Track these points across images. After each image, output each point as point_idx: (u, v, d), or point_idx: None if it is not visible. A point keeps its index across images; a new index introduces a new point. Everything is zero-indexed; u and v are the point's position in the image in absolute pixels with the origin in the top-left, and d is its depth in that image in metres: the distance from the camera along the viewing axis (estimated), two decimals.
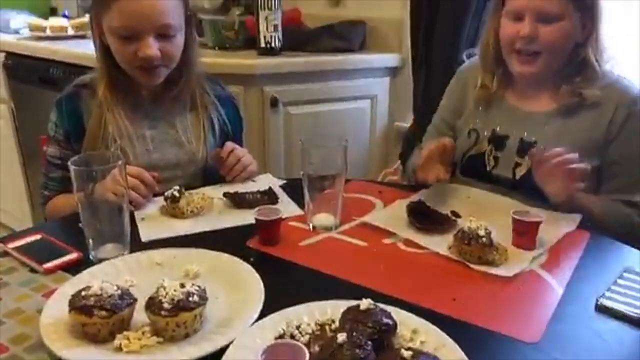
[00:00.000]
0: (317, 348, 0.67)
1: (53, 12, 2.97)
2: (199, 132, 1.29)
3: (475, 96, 1.29)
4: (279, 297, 0.79)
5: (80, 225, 0.93)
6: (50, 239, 0.96)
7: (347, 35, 1.97)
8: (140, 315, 0.73)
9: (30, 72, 2.23)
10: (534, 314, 0.79)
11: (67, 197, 1.21)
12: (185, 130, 1.28)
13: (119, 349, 0.69)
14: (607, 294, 0.81)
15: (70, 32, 2.39)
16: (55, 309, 0.74)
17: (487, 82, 1.27)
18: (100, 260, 0.89)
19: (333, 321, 0.73)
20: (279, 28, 1.85)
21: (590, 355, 0.70)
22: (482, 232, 0.91)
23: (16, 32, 2.47)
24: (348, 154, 1.02)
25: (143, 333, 0.71)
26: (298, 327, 0.72)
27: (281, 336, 0.71)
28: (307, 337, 0.71)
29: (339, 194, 1.04)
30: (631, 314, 0.77)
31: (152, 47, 1.14)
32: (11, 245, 0.93)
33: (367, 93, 1.99)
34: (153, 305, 0.71)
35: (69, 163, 0.89)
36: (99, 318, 0.70)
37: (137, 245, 0.96)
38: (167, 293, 0.71)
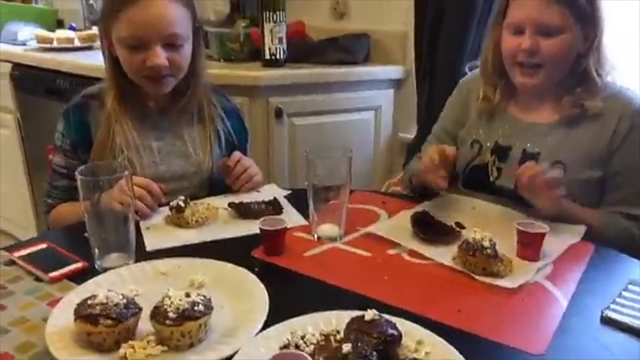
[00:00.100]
0: (321, 358, 0.67)
1: (60, 24, 3.00)
2: (205, 144, 1.30)
3: (478, 108, 1.30)
4: (283, 307, 0.79)
5: (85, 234, 0.93)
6: (56, 248, 0.97)
7: (351, 48, 1.99)
8: (145, 324, 0.74)
9: (36, 83, 2.26)
10: (539, 325, 0.79)
11: (70, 205, 1.22)
12: (192, 142, 1.29)
13: (124, 358, 0.69)
14: (613, 306, 0.81)
15: (77, 43, 2.41)
16: (61, 318, 0.75)
17: (489, 94, 1.28)
18: (105, 270, 0.89)
19: (338, 332, 0.73)
20: (284, 40, 1.87)
21: None
22: (486, 243, 0.91)
23: (24, 43, 2.49)
24: (352, 165, 1.03)
25: (148, 342, 0.71)
26: (303, 338, 0.72)
27: (286, 346, 0.71)
28: (312, 347, 0.71)
29: (343, 205, 1.04)
30: (637, 325, 0.76)
31: (159, 57, 1.15)
32: (17, 254, 0.94)
33: (371, 104, 2.00)
34: (158, 314, 0.71)
35: (76, 173, 0.90)
36: (105, 327, 0.70)
37: (142, 254, 0.96)
38: (172, 302, 0.72)
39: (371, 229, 1.07)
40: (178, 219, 1.09)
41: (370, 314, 0.71)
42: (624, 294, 0.84)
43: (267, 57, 1.87)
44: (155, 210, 1.14)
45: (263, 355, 0.65)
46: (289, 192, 1.28)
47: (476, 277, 0.90)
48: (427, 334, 0.72)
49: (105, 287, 0.77)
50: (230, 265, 0.90)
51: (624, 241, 1.09)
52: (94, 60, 2.02)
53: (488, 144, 1.27)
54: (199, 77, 1.28)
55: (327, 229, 1.05)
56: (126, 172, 0.92)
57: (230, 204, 1.16)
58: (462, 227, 1.08)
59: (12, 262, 0.93)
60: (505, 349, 0.74)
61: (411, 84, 1.98)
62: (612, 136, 1.15)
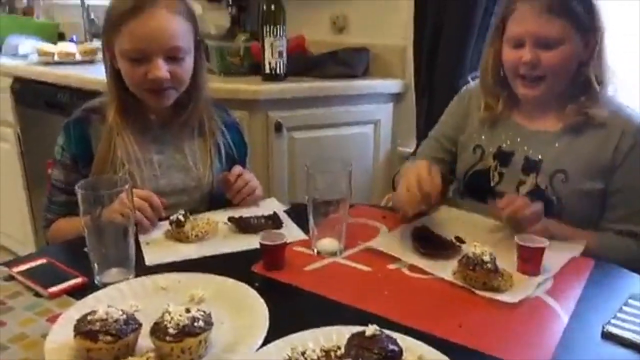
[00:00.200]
0: None
1: (61, 37, 3.02)
2: (205, 158, 1.30)
3: (481, 117, 1.30)
4: (284, 322, 0.78)
5: (85, 249, 0.93)
6: (55, 263, 0.96)
7: (351, 62, 2.00)
8: (145, 340, 0.73)
9: (37, 97, 2.26)
10: (541, 341, 0.78)
11: (69, 220, 1.22)
12: (193, 156, 1.29)
13: None
14: (613, 321, 0.81)
15: (78, 57, 2.43)
16: (60, 334, 0.74)
17: (491, 104, 1.28)
18: (105, 285, 0.89)
19: (339, 347, 0.72)
20: (284, 54, 1.88)
21: None
22: (486, 258, 0.91)
23: (25, 57, 2.51)
24: (351, 179, 1.03)
25: (148, 358, 0.71)
26: (303, 354, 0.71)
27: None
28: None
29: (343, 219, 1.04)
30: (638, 340, 0.76)
31: (161, 69, 1.16)
32: (16, 269, 0.94)
33: (371, 118, 2.00)
34: (158, 330, 0.71)
35: (76, 187, 0.90)
36: (104, 343, 0.69)
37: (141, 269, 0.96)
38: (172, 318, 0.71)
39: (371, 243, 1.07)
40: (178, 234, 1.08)
41: (371, 329, 0.71)
42: (625, 308, 0.84)
43: (267, 71, 1.89)
44: (155, 224, 1.14)
45: None
46: (289, 206, 1.28)
47: (477, 291, 0.90)
48: (428, 350, 0.72)
49: (105, 303, 0.77)
50: (230, 280, 0.90)
51: (626, 261, 1.07)
52: (95, 74, 2.04)
53: (491, 149, 1.28)
54: (200, 90, 1.29)
55: (327, 243, 1.05)
56: (127, 186, 0.92)
57: (230, 219, 1.16)
58: (462, 242, 1.08)
59: (11, 278, 0.93)
60: None
61: (410, 98, 1.99)
62: (614, 151, 1.15)
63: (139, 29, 1.14)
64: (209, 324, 0.73)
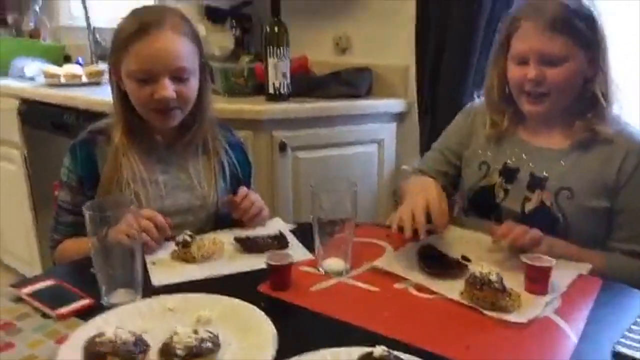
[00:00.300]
0: None
1: (67, 59, 3.05)
2: (210, 177, 1.31)
3: (486, 134, 1.31)
4: (291, 343, 0.78)
5: (92, 270, 0.93)
6: (63, 285, 0.97)
7: (354, 82, 2.02)
8: None
9: (43, 118, 2.29)
10: None
11: (75, 241, 1.22)
12: (197, 175, 1.30)
13: None
14: (623, 340, 0.80)
15: (84, 79, 2.46)
16: (69, 356, 0.74)
17: (496, 120, 1.29)
18: (112, 306, 0.89)
19: None
20: (287, 75, 1.90)
21: None
22: (494, 277, 0.91)
23: (31, 79, 2.54)
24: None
25: None
26: None
27: None
28: None
29: (349, 239, 1.04)
30: None
31: (167, 89, 1.18)
32: (24, 290, 0.94)
33: (374, 137, 2.02)
34: (167, 352, 0.71)
35: (83, 208, 0.90)
36: None
37: (148, 290, 0.96)
38: (180, 339, 0.72)
39: (377, 263, 1.07)
40: (184, 254, 1.09)
41: (379, 350, 0.71)
42: (634, 328, 0.84)
43: (271, 91, 1.90)
44: (161, 244, 1.14)
45: None
46: (294, 226, 1.28)
47: (485, 312, 0.90)
48: None
49: (113, 324, 0.77)
50: (237, 301, 0.90)
51: (634, 281, 1.05)
52: (101, 96, 2.06)
53: (496, 166, 1.28)
54: (205, 111, 1.31)
55: (333, 263, 1.05)
56: (132, 206, 0.93)
57: (236, 239, 1.16)
58: (468, 260, 1.08)
59: (19, 299, 0.93)
60: None
61: (413, 117, 2.00)
62: (617, 172, 1.16)
63: (146, 50, 1.16)
64: (216, 345, 0.74)
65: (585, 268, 1.05)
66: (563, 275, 1.00)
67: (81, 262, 1.05)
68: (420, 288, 0.99)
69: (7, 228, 2.78)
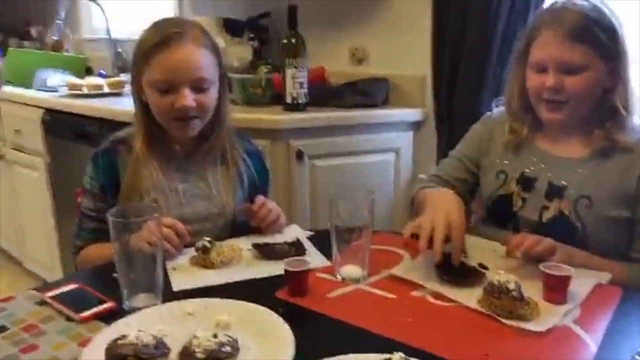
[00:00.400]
0: None
1: (89, 71, 3.13)
2: (228, 185, 1.33)
3: (505, 141, 1.31)
4: (308, 349, 0.79)
5: (114, 275, 0.95)
6: (86, 288, 0.99)
7: (371, 91, 2.03)
8: None
9: (66, 128, 2.34)
10: None
11: (98, 247, 1.25)
12: (216, 184, 1.32)
13: None
14: None
15: (106, 90, 2.51)
16: (92, 358, 0.76)
17: (516, 127, 1.29)
18: (134, 310, 0.91)
19: None
20: (305, 85, 1.92)
21: None
22: (512, 286, 0.90)
23: (54, 90, 2.60)
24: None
25: None
26: None
27: None
28: None
29: (366, 246, 1.05)
30: None
31: (187, 98, 1.20)
32: (49, 294, 0.96)
33: (391, 146, 2.02)
34: (187, 355, 0.72)
35: (107, 214, 0.93)
36: None
37: (168, 294, 0.98)
38: (200, 343, 0.73)
39: (394, 270, 1.07)
40: (204, 260, 1.10)
41: (396, 357, 0.71)
42: None
43: (289, 101, 1.92)
44: (181, 251, 1.16)
45: None
46: (312, 233, 1.29)
47: (503, 320, 0.89)
48: None
49: (134, 328, 0.78)
50: (255, 306, 0.91)
51: None
52: (122, 106, 2.11)
53: (514, 174, 1.28)
54: (223, 121, 1.33)
55: (350, 270, 1.06)
56: (155, 214, 0.95)
57: (254, 245, 1.18)
58: (486, 268, 1.08)
59: (43, 302, 0.95)
60: None
61: (430, 126, 2.01)
62: (638, 181, 1.15)
63: (167, 61, 1.19)
64: (235, 349, 0.75)
65: (605, 277, 1.04)
66: (582, 285, 0.99)
67: (103, 267, 1.07)
68: (437, 296, 0.99)
69: (29, 234, 2.83)
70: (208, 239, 1.12)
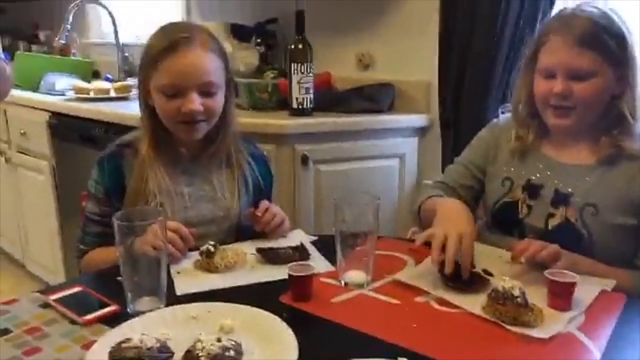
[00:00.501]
0: None
1: (96, 75, 3.14)
2: (233, 189, 1.33)
3: (511, 147, 1.30)
4: (312, 354, 0.79)
5: (118, 278, 0.95)
6: (90, 292, 0.99)
7: (376, 97, 2.03)
8: None
9: (72, 131, 2.35)
10: None
11: (102, 251, 1.25)
12: (221, 187, 1.32)
13: None
14: None
15: (112, 94, 2.52)
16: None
17: (522, 134, 1.29)
18: (137, 313, 0.91)
19: None
20: (311, 90, 1.92)
21: None
22: (516, 292, 0.90)
23: (61, 93, 2.61)
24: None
25: None
26: None
27: None
28: None
29: (370, 251, 1.05)
30: None
31: (195, 102, 1.21)
32: (52, 297, 0.96)
33: (396, 152, 2.02)
34: (190, 358, 0.72)
35: (113, 218, 0.93)
36: None
37: (172, 298, 0.98)
38: (203, 347, 0.73)
39: (399, 276, 1.07)
40: (207, 264, 1.10)
41: None
42: None
43: (295, 106, 1.93)
44: (185, 254, 1.16)
45: None
46: (315, 237, 1.29)
47: (507, 326, 0.89)
48: None
49: (138, 331, 0.79)
50: (259, 311, 0.91)
51: None
52: (129, 110, 2.11)
53: (520, 181, 1.28)
54: (229, 125, 1.33)
55: (355, 275, 1.05)
56: (160, 218, 0.95)
57: (258, 249, 1.18)
58: (490, 275, 1.07)
59: (47, 305, 0.95)
60: None
61: (435, 132, 2.01)
62: None
63: (175, 66, 1.20)
64: (239, 353, 0.75)
65: (609, 284, 1.04)
66: (586, 291, 0.98)
67: (107, 270, 1.08)
68: (441, 302, 0.98)
69: (33, 237, 2.84)
70: (212, 243, 1.12)
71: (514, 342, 0.86)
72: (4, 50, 2.84)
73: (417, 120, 2.05)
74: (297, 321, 0.89)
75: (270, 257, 1.15)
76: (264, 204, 1.30)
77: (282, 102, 2.03)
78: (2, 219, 2.98)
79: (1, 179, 2.94)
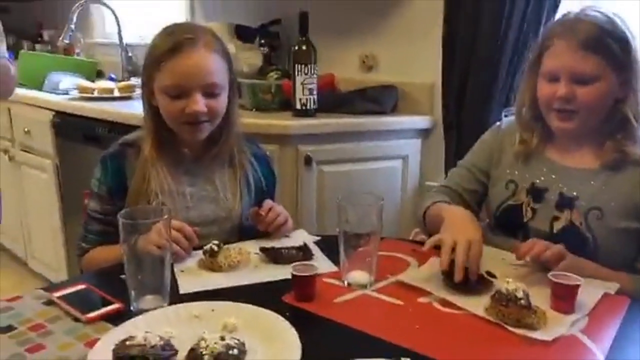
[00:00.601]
0: None
1: (100, 74, 3.15)
2: (235, 190, 1.34)
3: (515, 151, 1.30)
4: (314, 353, 0.79)
5: (122, 276, 0.96)
6: (93, 289, 0.99)
7: (380, 99, 2.03)
8: None
9: (76, 130, 2.35)
10: None
11: (104, 249, 1.25)
12: (223, 187, 1.33)
13: None
14: None
15: (116, 93, 2.53)
16: (98, 358, 0.76)
17: (525, 137, 1.29)
18: (141, 311, 0.91)
19: None
20: (314, 91, 1.93)
21: None
22: (520, 294, 0.90)
23: (65, 93, 2.62)
24: None
25: None
26: None
27: None
28: None
29: (374, 252, 1.05)
30: None
31: (199, 103, 1.21)
32: (56, 294, 0.96)
33: (399, 153, 2.02)
34: (194, 357, 0.72)
35: (118, 216, 0.93)
36: None
37: (175, 297, 0.98)
38: (207, 345, 0.73)
39: (402, 277, 1.07)
40: (211, 263, 1.11)
41: None
42: None
43: (298, 107, 1.93)
44: (189, 253, 1.16)
45: None
46: (319, 238, 1.29)
47: (510, 328, 0.89)
48: None
49: (141, 329, 0.79)
50: (262, 310, 0.91)
51: None
52: (132, 109, 2.12)
53: (524, 185, 1.28)
54: (232, 125, 1.33)
55: (358, 275, 1.05)
56: (165, 217, 0.95)
57: (262, 249, 1.18)
58: (493, 276, 1.07)
59: (50, 302, 0.96)
60: None
61: (438, 134, 2.01)
62: None
63: (179, 67, 1.20)
64: (242, 352, 0.75)
65: (612, 287, 1.04)
66: (590, 294, 0.98)
67: (111, 268, 1.08)
68: (444, 303, 0.98)
69: (36, 234, 2.85)
70: (216, 242, 1.12)
71: (517, 344, 0.86)
72: (8, 49, 2.85)
73: (420, 122, 2.05)
74: (300, 321, 0.89)
75: (273, 256, 1.16)
76: (268, 203, 1.30)
77: (285, 103, 2.03)
78: (5, 217, 2.98)
79: (5, 177, 2.95)
